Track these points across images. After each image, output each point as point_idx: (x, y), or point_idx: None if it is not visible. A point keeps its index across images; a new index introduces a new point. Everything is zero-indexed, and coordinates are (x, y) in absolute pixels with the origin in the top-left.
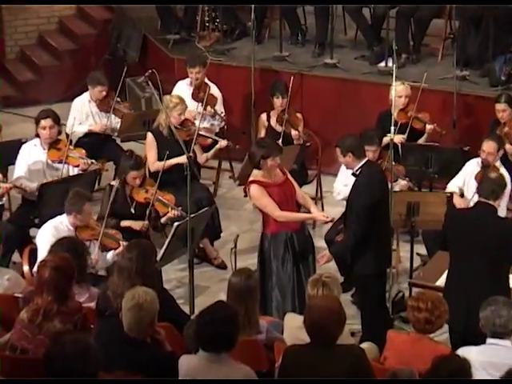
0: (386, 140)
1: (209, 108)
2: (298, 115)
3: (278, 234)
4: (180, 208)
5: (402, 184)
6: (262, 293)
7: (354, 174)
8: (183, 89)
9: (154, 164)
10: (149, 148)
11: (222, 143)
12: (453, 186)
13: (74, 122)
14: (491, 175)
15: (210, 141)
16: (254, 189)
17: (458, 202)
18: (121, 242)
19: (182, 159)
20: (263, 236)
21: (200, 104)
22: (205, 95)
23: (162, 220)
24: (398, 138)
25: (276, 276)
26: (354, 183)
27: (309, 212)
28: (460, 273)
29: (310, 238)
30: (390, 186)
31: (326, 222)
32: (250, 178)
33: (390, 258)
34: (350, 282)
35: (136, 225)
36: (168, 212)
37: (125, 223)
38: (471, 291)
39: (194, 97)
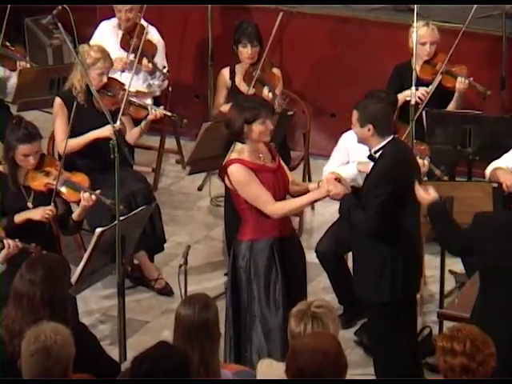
0: (401, 97)
1: (145, 61)
2: (275, 71)
3: (260, 242)
4: (98, 191)
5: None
6: (236, 331)
7: (370, 157)
8: (108, 33)
9: (63, 142)
10: (56, 119)
11: (157, 112)
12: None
13: None
14: None
15: (146, 111)
16: (239, 170)
17: (504, 178)
18: (6, 242)
19: (105, 131)
20: (237, 246)
21: (132, 55)
22: (139, 42)
23: (74, 215)
24: (420, 92)
25: (258, 303)
26: (371, 170)
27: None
28: (500, 300)
29: (301, 248)
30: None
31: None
32: (231, 157)
33: (418, 278)
34: (351, 313)
35: (35, 214)
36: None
37: (19, 217)
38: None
39: (124, 44)
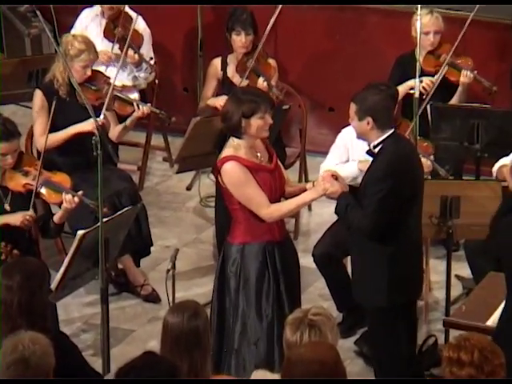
0: (403, 89)
1: (131, 52)
2: (271, 62)
3: (252, 246)
4: (81, 192)
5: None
6: (218, 339)
7: (369, 153)
8: (91, 22)
9: (42, 137)
10: (37, 112)
11: (143, 109)
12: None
13: None
14: None
15: (132, 107)
16: (234, 168)
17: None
18: None
19: (88, 126)
20: (227, 249)
21: (117, 45)
22: (124, 32)
23: (55, 218)
24: (425, 82)
25: (242, 313)
26: (370, 166)
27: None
28: None
29: (295, 253)
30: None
31: (329, 194)
32: (226, 154)
33: (418, 282)
34: (351, 321)
35: (14, 219)
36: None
37: None
38: None
39: (107, 34)
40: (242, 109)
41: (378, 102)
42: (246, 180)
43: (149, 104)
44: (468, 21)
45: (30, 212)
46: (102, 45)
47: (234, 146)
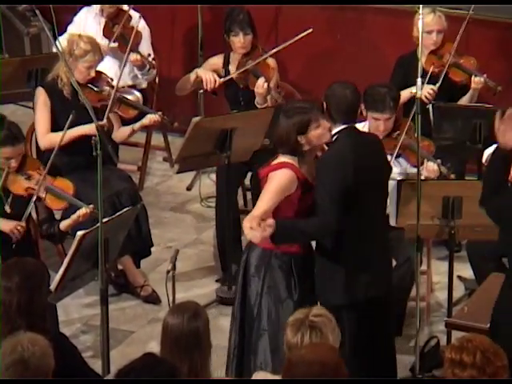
0: (405, 95)
1: (134, 56)
2: (270, 62)
3: (279, 256)
4: (92, 206)
5: (429, 169)
6: (240, 340)
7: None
8: (90, 21)
9: (46, 136)
10: (40, 111)
11: (153, 118)
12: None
13: None
14: None
15: (135, 111)
16: (286, 177)
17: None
18: None
19: (89, 129)
20: (251, 250)
21: (115, 44)
22: (123, 30)
23: (62, 226)
24: (426, 91)
25: (268, 317)
26: (321, 156)
27: None
28: None
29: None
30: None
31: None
32: (287, 159)
33: (379, 279)
34: None
35: (5, 225)
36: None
37: None
38: None
39: (107, 33)
40: (295, 127)
41: (339, 94)
42: (282, 191)
43: (160, 112)
44: (466, 20)
45: (23, 223)
46: (102, 43)
47: (294, 159)
